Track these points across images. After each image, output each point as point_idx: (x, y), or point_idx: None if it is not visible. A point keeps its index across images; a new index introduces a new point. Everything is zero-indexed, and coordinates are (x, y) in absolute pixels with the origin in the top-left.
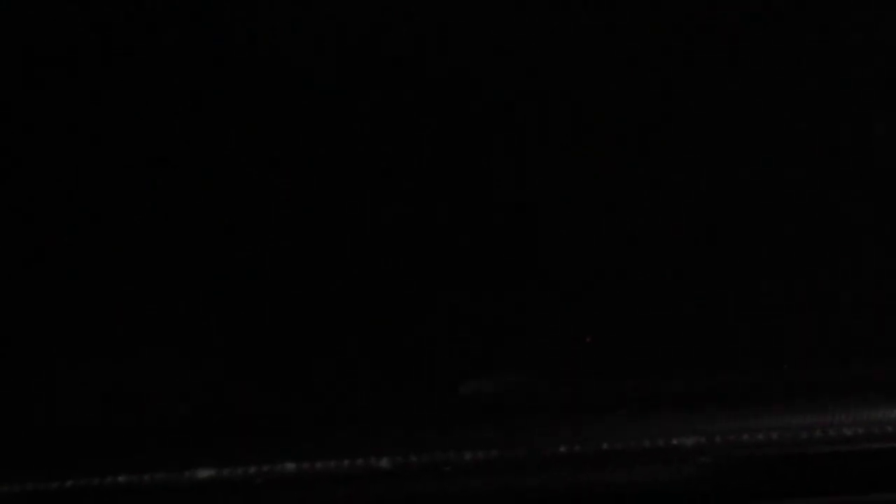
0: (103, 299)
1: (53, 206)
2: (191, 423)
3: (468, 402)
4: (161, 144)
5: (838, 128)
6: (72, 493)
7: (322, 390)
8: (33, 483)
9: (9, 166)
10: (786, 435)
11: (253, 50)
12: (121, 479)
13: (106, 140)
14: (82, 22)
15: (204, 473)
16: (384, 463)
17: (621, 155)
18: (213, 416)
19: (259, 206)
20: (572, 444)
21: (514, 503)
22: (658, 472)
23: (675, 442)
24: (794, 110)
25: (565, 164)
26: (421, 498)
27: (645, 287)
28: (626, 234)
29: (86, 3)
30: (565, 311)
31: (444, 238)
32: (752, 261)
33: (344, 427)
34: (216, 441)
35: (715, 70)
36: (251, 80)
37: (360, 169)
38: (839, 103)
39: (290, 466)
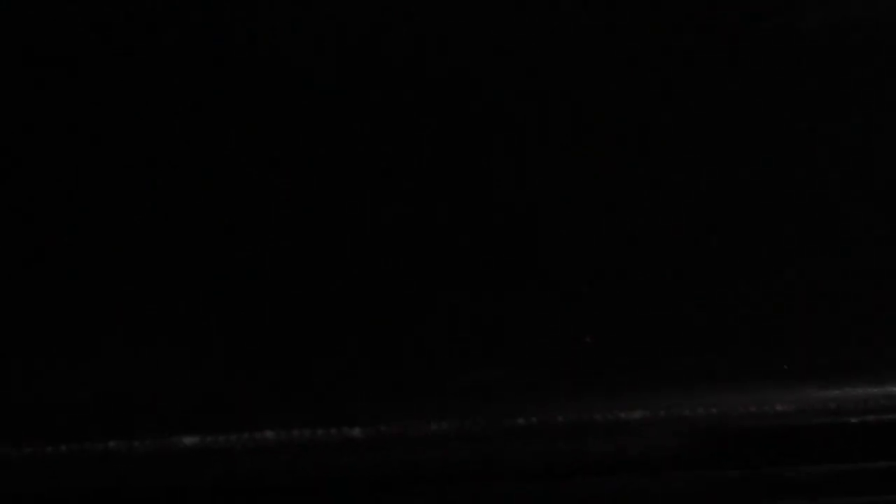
0: (90, 277)
1: (50, 189)
2: (176, 394)
3: (435, 380)
4: (157, 138)
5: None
6: (62, 457)
7: (300, 365)
8: (20, 448)
9: (6, 164)
10: (725, 410)
11: (250, 48)
12: (110, 444)
13: (100, 136)
14: (80, 21)
15: (189, 441)
16: (356, 432)
17: (621, 155)
18: (197, 388)
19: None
20: (529, 416)
21: (474, 471)
22: (605, 443)
23: (622, 415)
24: (793, 110)
25: (565, 164)
26: (390, 465)
27: (594, 268)
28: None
29: (84, 3)
30: (518, 289)
31: (423, 220)
32: (696, 248)
33: (320, 399)
34: (200, 411)
35: (714, 70)
36: (247, 76)
37: (358, 167)
38: (838, 102)
39: (270, 434)
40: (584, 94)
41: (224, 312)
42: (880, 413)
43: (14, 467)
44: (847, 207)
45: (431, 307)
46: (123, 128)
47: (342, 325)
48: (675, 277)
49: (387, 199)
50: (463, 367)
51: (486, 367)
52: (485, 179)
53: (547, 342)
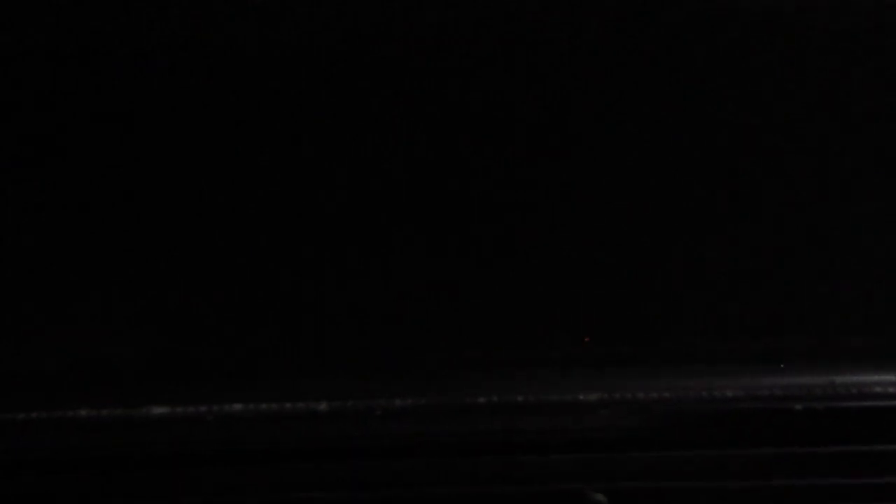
0: (66, 247)
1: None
2: (149, 365)
3: (400, 356)
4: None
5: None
6: (34, 424)
7: (270, 340)
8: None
9: None
10: (675, 394)
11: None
12: (82, 413)
13: (72, 121)
14: (79, 21)
15: (158, 411)
16: (322, 406)
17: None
18: (170, 360)
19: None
20: (490, 395)
21: (437, 446)
22: (564, 421)
23: (580, 397)
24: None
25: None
26: (354, 438)
27: (559, 259)
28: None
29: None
30: (485, 274)
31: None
32: (653, 241)
33: (289, 374)
34: (172, 382)
35: (711, 70)
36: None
37: (328, 151)
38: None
39: (238, 407)
40: (579, 92)
41: (197, 289)
42: (823, 401)
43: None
44: (799, 201)
45: (401, 289)
46: (98, 116)
47: (291, 281)
48: (635, 269)
49: (365, 179)
50: (428, 348)
51: (450, 349)
52: (472, 174)
53: (513, 328)
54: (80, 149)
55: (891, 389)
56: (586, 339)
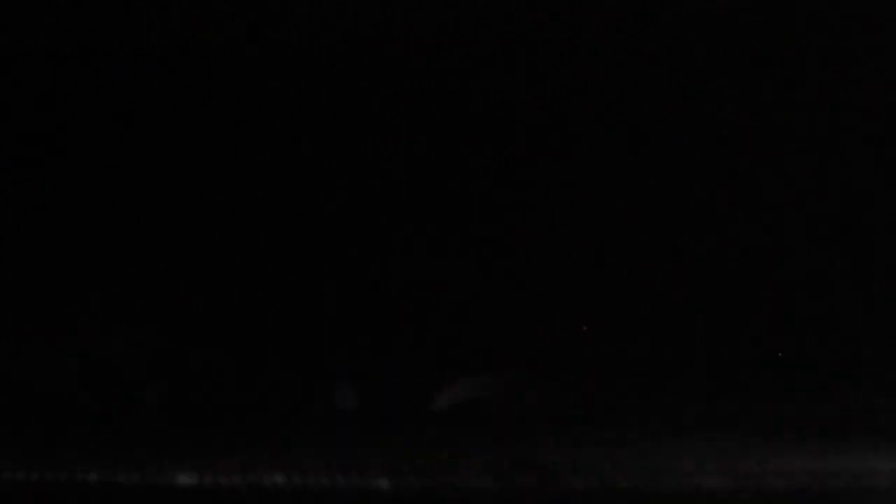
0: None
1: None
2: (176, 427)
3: (473, 420)
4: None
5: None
6: (56, 486)
7: (316, 400)
8: (21, 476)
9: None
10: (819, 481)
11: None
12: (97, 476)
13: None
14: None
15: (184, 479)
16: (383, 483)
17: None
18: (200, 421)
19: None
20: (589, 478)
21: None
22: None
23: (699, 482)
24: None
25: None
26: None
27: (662, 305)
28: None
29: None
30: (570, 321)
31: (431, 237)
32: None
33: (340, 441)
34: (200, 446)
35: (709, 77)
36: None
37: (341, 170)
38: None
39: (279, 479)
40: (576, 92)
41: (227, 332)
42: None
43: (15, 495)
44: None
45: (427, 312)
46: (98, 116)
47: (332, 337)
48: (692, 298)
49: (371, 197)
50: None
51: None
52: (472, 177)
53: (550, 354)
54: (80, 149)
55: None
56: (584, 328)
